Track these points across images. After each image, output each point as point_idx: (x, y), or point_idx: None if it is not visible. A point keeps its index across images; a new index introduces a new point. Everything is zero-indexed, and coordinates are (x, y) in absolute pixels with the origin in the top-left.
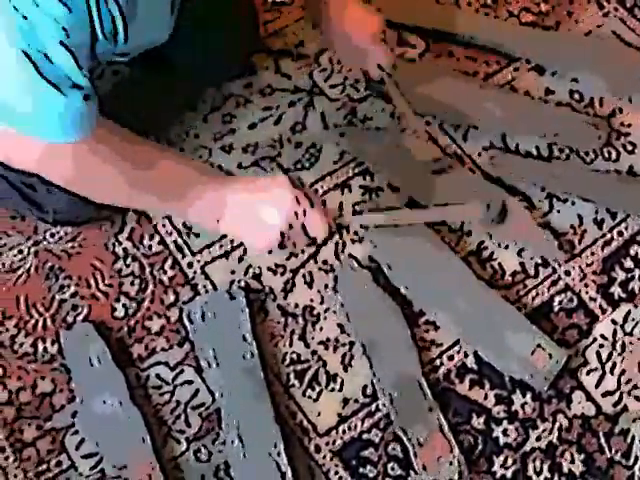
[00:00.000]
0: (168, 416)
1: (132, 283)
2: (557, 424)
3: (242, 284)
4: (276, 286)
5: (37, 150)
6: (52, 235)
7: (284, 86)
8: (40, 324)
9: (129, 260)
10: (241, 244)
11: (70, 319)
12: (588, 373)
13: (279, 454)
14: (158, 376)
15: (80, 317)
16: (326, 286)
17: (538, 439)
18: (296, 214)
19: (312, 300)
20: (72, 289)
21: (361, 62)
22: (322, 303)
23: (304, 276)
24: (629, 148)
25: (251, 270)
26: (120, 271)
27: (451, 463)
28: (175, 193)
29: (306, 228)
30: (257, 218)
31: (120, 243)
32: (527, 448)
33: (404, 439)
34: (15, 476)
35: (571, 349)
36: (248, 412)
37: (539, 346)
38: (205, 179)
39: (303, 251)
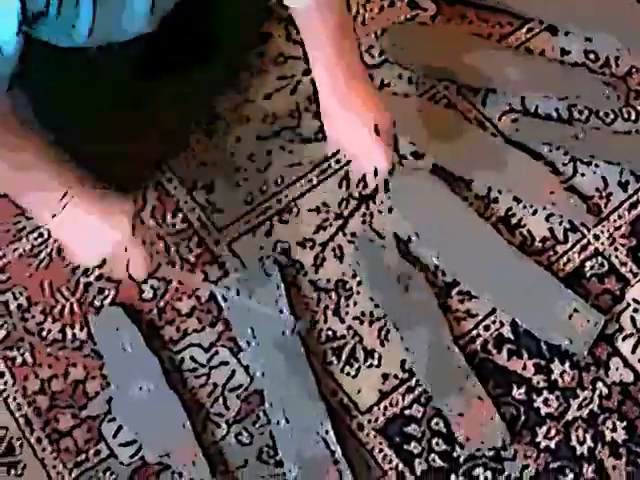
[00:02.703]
0: (205, 399)
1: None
2: (597, 392)
3: (271, 260)
4: (306, 261)
5: None
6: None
7: (297, 54)
8: (67, 309)
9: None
10: (268, 219)
11: (97, 303)
12: (624, 339)
13: (327, 432)
14: (192, 358)
15: (107, 300)
16: (357, 260)
17: (579, 408)
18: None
19: (344, 274)
20: (96, 272)
21: (354, 156)
22: (354, 277)
23: (334, 250)
24: None
25: (279, 245)
26: None
27: (493, 430)
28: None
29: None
30: (90, 228)
31: (143, 222)
32: (569, 417)
33: (444, 410)
34: (54, 467)
35: (606, 315)
36: (292, 390)
37: (576, 310)
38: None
39: (331, 224)
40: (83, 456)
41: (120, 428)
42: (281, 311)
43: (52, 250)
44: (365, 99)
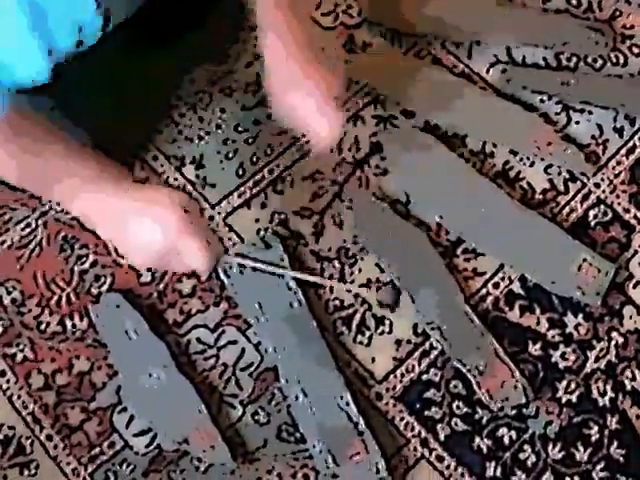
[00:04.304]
0: (217, 381)
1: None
2: (613, 342)
3: (269, 232)
4: (305, 231)
5: None
6: (58, 204)
7: None
8: (64, 300)
9: None
10: (262, 190)
11: (95, 291)
12: (635, 286)
13: (348, 404)
14: (199, 340)
15: (105, 287)
16: (356, 224)
17: (597, 360)
18: (177, 236)
19: (345, 241)
20: (91, 258)
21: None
22: (356, 243)
23: (333, 217)
24: (636, 51)
25: (276, 216)
26: None
27: (516, 387)
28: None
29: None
30: (133, 231)
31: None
32: (587, 370)
33: (463, 371)
34: (68, 464)
35: (615, 264)
36: (306, 363)
37: (585, 260)
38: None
39: (327, 191)
40: (97, 450)
41: (132, 418)
42: (287, 284)
43: (42, 239)
44: (307, 68)
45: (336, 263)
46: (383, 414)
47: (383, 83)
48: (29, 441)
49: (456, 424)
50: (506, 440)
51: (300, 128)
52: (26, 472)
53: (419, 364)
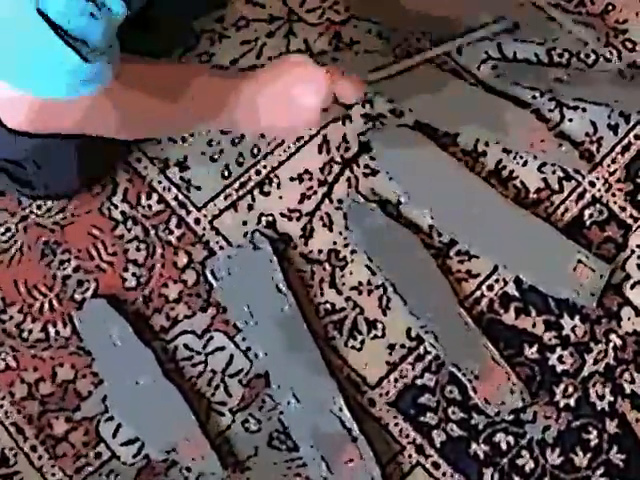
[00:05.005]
0: (206, 388)
1: (138, 249)
2: (611, 344)
3: (257, 234)
4: (294, 233)
5: (75, 109)
6: (39, 207)
7: (259, 16)
8: (46, 306)
9: (130, 224)
10: (248, 192)
11: (78, 297)
12: (632, 287)
13: (341, 409)
14: (187, 346)
15: (88, 293)
16: (347, 226)
17: (595, 362)
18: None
19: (335, 243)
20: (73, 263)
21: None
22: (346, 245)
23: (322, 218)
24: (629, 46)
25: (264, 218)
26: (122, 237)
27: (512, 391)
28: (211, 108)
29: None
30: (294, 102)
31: (116, 206)
32: (585, 373)
33: (459, 375)
34: (53, 475)
35: (611, 264)
36: (298, 368)
37: (580, 261)
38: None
39: (316, 192)
40: (83, 460)
41: (119, 427)
42: (278, 287)
43: (22, 244)
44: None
45: (326, 266)
46: (377, 420)
47: (371, 81)
48: (13, 452)
49: (452, 430)
50: (503, 446)
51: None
52: None
53: (413, 368)
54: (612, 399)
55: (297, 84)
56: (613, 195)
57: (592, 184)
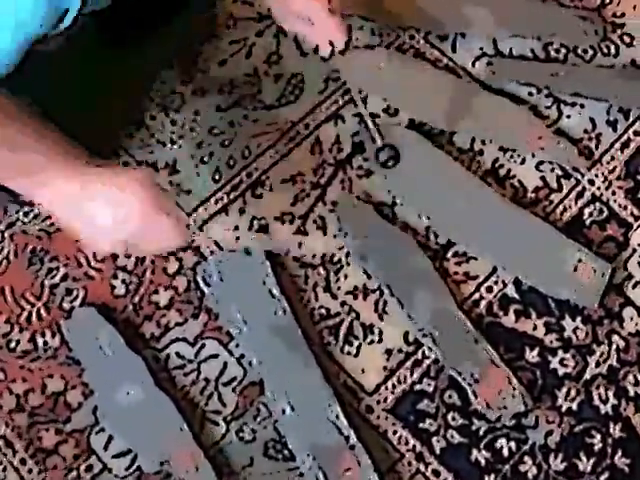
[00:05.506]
0: (199, 397)
1: (127, 255)
2: (614, 346)
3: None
4: (287, 236)
5: None
6: (25, 214)
7: (247, 14)
8: (34, 315)
9: None
10: (240, 195)
11: (67, 305)
12: (634, 287)
13: (337, 417)
14: (178, 354)
15: (77, 301)
16: (340, 229)
17: (597, 364)
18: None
19: (329, 246)
20: (61, 271)
21: (306, 32)
22: (341, 249)
23: (315, 221)
24: (627, 40)
25: (256, 222)
26: None
27: (513, 395)
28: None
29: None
30: (90, 216)
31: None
32: (588, 376)
33: (458, 379)
34: None
35: (612, 263)
36: (293, 375)
37: (581, 261)
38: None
39: (309, 195)
40: (74, 473)
41: (111, 439)
42: (271, 292)
43: (9, 252)
44: None
45: (321, 270)
46: (375, 428)
47: (364, 79)
48: (1, 466)
49: (452, 436)
50: (505, 452)
51: (306, 34)
52: None
53: (411, 374)
54: (616, 402)
55: (99, 204)
56: (613, 193)
57: (591, 182)
